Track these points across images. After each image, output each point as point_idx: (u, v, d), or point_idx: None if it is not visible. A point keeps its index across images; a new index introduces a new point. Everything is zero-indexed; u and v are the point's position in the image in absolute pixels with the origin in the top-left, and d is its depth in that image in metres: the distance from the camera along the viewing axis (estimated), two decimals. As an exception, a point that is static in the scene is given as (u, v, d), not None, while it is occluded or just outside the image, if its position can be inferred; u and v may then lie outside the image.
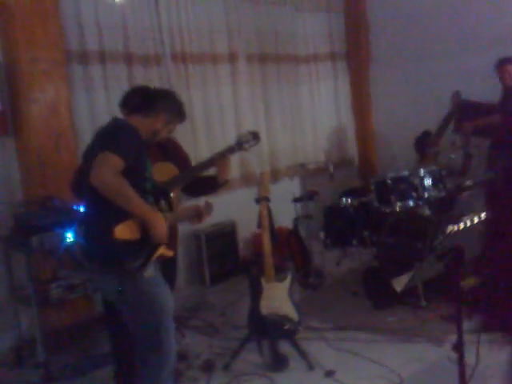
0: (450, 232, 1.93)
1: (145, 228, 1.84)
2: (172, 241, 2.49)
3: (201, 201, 2.46)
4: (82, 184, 2.02)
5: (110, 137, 1.86)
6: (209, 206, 2.32)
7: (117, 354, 2.40)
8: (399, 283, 2.66)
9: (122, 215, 1.80)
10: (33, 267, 2.75)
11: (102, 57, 3.42)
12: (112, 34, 3.45)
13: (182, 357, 2.75)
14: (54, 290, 2.80)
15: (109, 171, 1.72)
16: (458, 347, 1.91)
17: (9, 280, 2.91)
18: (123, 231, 1.80)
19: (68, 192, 2.57)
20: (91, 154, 1.88)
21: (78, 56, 3.32)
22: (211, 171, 2.52)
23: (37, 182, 3.03)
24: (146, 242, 1.86)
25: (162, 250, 1.95)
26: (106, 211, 1.81)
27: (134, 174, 1.84)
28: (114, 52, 3.47)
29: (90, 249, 1.94)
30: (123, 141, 1.83)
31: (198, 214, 2.20)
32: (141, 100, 2.07)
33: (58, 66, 3.10)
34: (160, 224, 1.86)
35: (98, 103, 3.41)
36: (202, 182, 2.49)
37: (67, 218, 2.68)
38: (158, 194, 2.00)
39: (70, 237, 2.67)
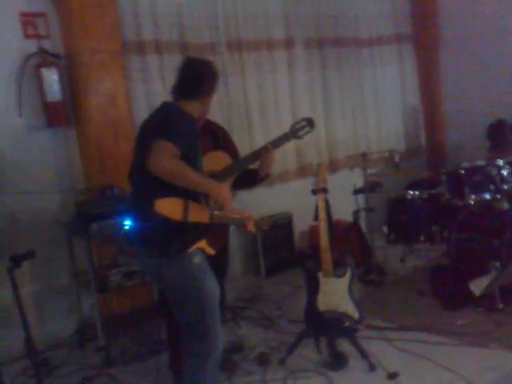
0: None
1: (187, 214, 1.82)
2: (221, 235, 2.44)
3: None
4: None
5: (166, 124, 1.85)
6: (265, 220, 2.24)
7: (172, 341, 2.41)
8: (478, 286, 2.41)
9: (166, 192, 1.81)
10: (93, 253, 2.84)
11: (158, 47, 3.44)
12: (167, 24, 3.46)
13: (238, 348, 2.74)
14: (114, 277, 2.87)
15: (166, 158, 1.75)
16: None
17: (71, 265, 3.03)
18: (164, 205, 1.81)
19: (126, 181, 2.64)
20: (147, 138, 1.87)
21: (135, 46, 3.36)
22: (253, 165, 2.42)
23: (97, 171, 3.12)
24: (187, 229, 1.85)
25: (203, 245, 1.93)
26: (150, 190, 1.83)
27: (185, 161, 1.82)
28: (169, 41, 3.48)
29: (137, 231, 1.96)
30: (179, 128, 1.84)
31: (246, 225, 2.04)
32: (185, 86, 2.03)
33: (115, 56, 3.16)
34: (223, 191, 1.85)
35: (155, 93, 3.43)
36: (243, 174, 2.40)
37: (126, 207, 2.73)
38: None
39: (128, 224, 2.73)
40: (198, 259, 1.90)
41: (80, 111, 3.14)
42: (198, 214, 1.86)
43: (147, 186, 1.85)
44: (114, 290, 2.93)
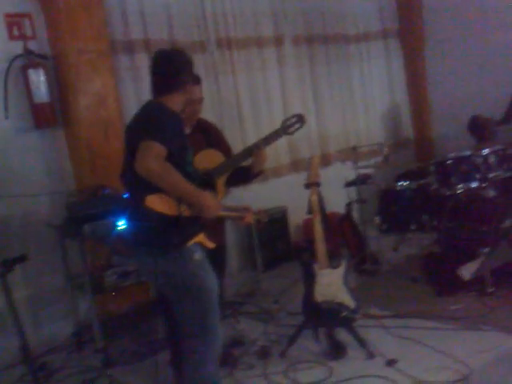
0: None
1: (182, 208, 1.81)
2: (218, 231, 2.45)
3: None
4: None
5: (151, 123, 1.83)
6: (262, 213, 2.24)
7: (172, 339, 2.40)
8: (468, 271, 2.48)
9: (158, 188, 1.79)
10: (87, 255, 2.81)
11: (148, 46, 3.44)
12: (156, 23, 3.46)
13: (238, 343, 2.75)
14: (109, 278, 2.84)
15: (152, 159, 1.73)
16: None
17: (65, 268, 2.99)
18: (155, 201, 1.80)
19: (118, 180, 2.61)
20: (133, 138, 1.87)
21: (124, 46, 3.35)
22: (245, 162, 2.43)
23: (87, 172, 3.10)
24: (184, 223, 1.84)
25: (202, 239, 1.93)
26: (141, 187, 1.81)
27: (176, 158, 1.83)
28: (158, 40, 3.48)
29: (133, 231, 1.96)
30: (166, 128, 1.82)
31: (244, 217, 2.07)
32: (162, 80, 1.99)
33: (104, 56, 3.14)
34: (210, 203, 1.84)
35: (145, 92, 3.34)
36: (237, 172, 2.40)
37: (118, 207, 2.71)
38: (202, 184, 1.97)
39: (121, 224, 2.71)
40: (198, 256, 1.90)
41: (69, 112, 3.11)
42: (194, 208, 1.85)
43: (138, 184, 1.82)
44: (109, 291, 2.89)
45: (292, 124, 2.40)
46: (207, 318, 1.93)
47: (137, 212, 1.90)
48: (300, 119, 2.40)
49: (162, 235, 1.84)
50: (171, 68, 1.98)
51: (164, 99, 1.96)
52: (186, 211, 1.82)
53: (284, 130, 2.39)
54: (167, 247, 1.85)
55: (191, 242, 1.89)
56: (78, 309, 3.02)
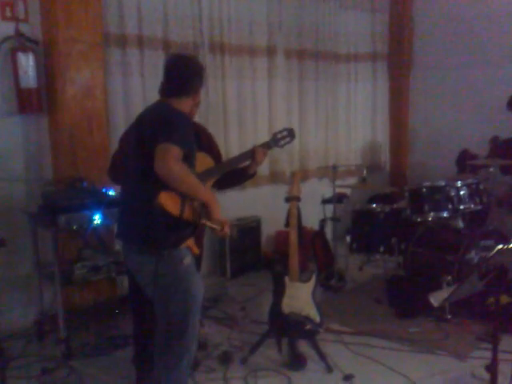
0: (497, 251, 1.88)
1: (184, 211, 1.85)
2: (200, 239, 2.47)
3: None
4: (122, 166, 2.05)
5: (169, 126, 1.86)
6: (234, 230, 2.25)
7: (138, 336, 2.38)
8: (436, 299, 2.58)
9: (167, 187, 1.81)
10: (59, 246, 2.77)
11: (141, 42, 3.43)
12: (152, 20, 3.46)
13: (201, 346, 2.75)
14: (79, 271, 2.83)
15: (173, 162, 1.76)
16: (492, 367, 1.85)
17: (35, 256, 2.95)
18: (167, 198, 1.82)
19: (97, 174, 2.60)
20: (146, 137, 1.88)
21: (117, 39, 3.32)
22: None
23: (67, 162, 3.06)
24: (182, 225, 1.87)
25: (191, 243, 1.96)
26: (150, 184, 1.82)
27: (186, 160, 1.85)
28: (152, 38, 3.47)
29: (131, 227, 1.96)
30: (181, 131, 1.86)
31: (222, 229, 2.05)
32: (176, 84, 2.04)
33: (96, 47, 3.10)
34: (217, 206, 1.92)
35: (133, 88, 3.42)
36: (230, 174, 2.42)
37: (95, 200, 2.71)
38: None
39: (97, 218, 2.70)
40: (187, 260, 1.93)
41: (55, 100, 3.06)
42: (191, 214, 1.89)
43: (147, 181, 1.83)
44: (77, 284, 2.87)
45: (283, 137, 2.44)
46: (188, 320, 1.95)
47: (139, 208, 1.90)
48: (290, 133, 2.45)
49: (160, 234, 1.85)
50: (186, 73, 2.04)
51: (173, 101, 2.00)
52: (186, 213, 1.86)
53: (275, 142, 2.43)
54: (161, 246, 1.86)
55: (184, 245, 1.92)
56: (43, 298, 2.97)
